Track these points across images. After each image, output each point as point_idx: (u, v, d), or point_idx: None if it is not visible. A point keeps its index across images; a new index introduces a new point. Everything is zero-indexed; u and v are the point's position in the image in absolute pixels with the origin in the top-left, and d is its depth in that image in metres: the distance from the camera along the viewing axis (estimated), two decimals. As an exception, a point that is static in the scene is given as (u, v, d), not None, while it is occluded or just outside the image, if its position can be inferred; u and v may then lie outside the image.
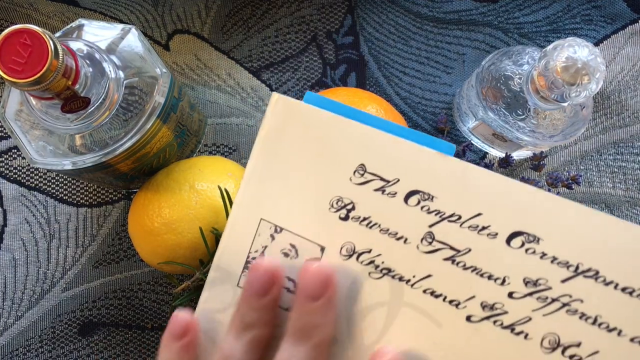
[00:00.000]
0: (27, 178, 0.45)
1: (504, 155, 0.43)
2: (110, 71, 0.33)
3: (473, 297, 0.25)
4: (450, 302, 0.25)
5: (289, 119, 0.27)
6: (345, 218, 0.27)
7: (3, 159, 0.45)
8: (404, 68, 0.47)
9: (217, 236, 0.36)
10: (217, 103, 0.46)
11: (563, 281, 0.24)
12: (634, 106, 0.46)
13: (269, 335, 0.26)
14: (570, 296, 0.24)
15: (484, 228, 0.25)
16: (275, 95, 0.28)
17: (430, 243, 0.25)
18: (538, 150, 0.42)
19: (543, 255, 0.24)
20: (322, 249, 0.27)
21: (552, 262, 0.24)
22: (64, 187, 0.45)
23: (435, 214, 0.25)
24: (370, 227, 0.26)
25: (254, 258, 0.28)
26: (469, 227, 0.25)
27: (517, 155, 0.44)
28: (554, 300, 0.24)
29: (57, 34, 0.35)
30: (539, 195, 0.25)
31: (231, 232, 0.28)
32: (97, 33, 0.35)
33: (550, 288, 0.24)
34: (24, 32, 0.28)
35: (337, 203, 0.27)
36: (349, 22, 0.48)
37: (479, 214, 0.25)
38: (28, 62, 0.28)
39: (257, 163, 0.28)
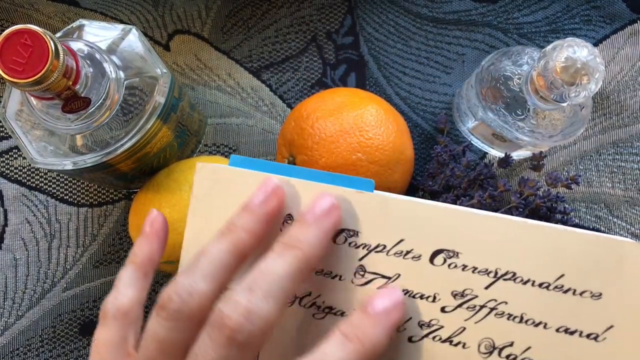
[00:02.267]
0: (27, 178, 0.45)
1: (503, 155, 0.43)
2: (110, 71, 0.33)
3: (410, 318, 0.26)
4: None
5: (215, 184, 0.28)
6: None
7: (4, 158, 0.46)
8: (404, 68, 0.47)
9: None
10: (217, 103, 0.46)
11: (486, 287, 0.26)
12: (633, 106, 0.46)
13: (252, 246, 0.26)
14: (496, 300, 0.26)
15: (408, 252, 0.27)
16: (199, 164, 0.29)
17: (363, 275, 0.27)
18: (537, 151, 0.42)
19: (464, 267, 0.26)
20: None
21: (473, 272, 0.26)
22: (65, 187, 0.45)
23: (363, 248, 0.27)
24: None
25: None
26: (394, 253, 0.27)
27: (516, 155, 0.44)
28: (481, 307, 0.26)
29: (58, 35, 0.35)
30: (449, 212, 0.26)
31: None
32: (98, 33, 0.35)
33: (476, 296, 0.26)
34: (25, 32, 0.28)
35: None
36: (349, 23, 0.48)
37: (402, 240, 0.27)
38: (29, 62, 0.28)
39: (192, 229, 0.29)
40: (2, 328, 0.43)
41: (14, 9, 0.47)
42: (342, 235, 0.27)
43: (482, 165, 0.42)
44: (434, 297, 0.26)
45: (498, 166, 0.43)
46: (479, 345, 0.26)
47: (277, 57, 0.47)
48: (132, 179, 0.40)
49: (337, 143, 0.37)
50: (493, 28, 0.47)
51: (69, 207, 0.45)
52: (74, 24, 0.35)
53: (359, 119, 0.38)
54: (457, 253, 0.26)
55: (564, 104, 0.36)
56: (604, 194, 0.45)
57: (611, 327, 0.25)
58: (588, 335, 0.25)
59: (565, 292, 0.25)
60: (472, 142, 0.45)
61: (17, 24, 0.29)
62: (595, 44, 0.47)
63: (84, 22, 0.35)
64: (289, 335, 0.28)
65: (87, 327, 0.44)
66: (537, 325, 0.25)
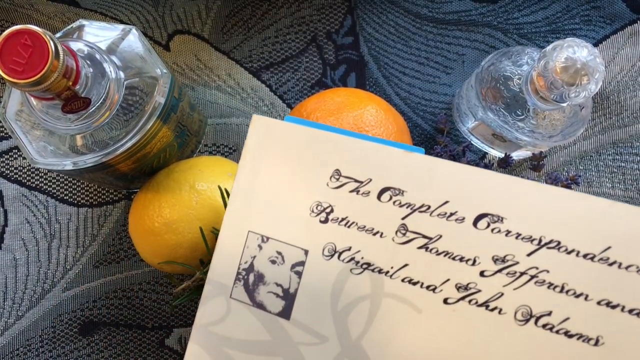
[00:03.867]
0: (27, 178, 0.45)
1: (503, 155, 0.43)
2: (110, 71, 0.33)
3: (448, 280, 0.26)
4: (428, 287, 0.27)
5: (268, 136, 0.29)
6: (325, 221, 0.28)
7: (4, 159, 0.46)
8: (404, 68, 0.47)
9: (217, 236, 0.37)
10: (217, 103, 0.46)
11: (529, 255, 0.26)
12: (633, 106, 0.46)
13: None
14: (537, 268, 0.25)
15: (452, 214, 0.27)
16: (255, 116, 0.30)
17: (404, 234, 0.27)
18: (537, 151, 0.42)
19: (508, 232, 0.26)
20: (306, 252, 0.28)
21: (516, 238, 0.26)
22: (65, 187, 0.45)
23: (407, 207, 0.27)
24: (349, 226, 0.28)
25: (244, 269, 0.29)
26: (438, 214, 0.27)
27: (516, 155, 0.44)
28: (522, 273, 0.25)
29: (58, 35, 0.35)
30: (498, 177, 0.26)
31: (222, 247, 0.30)
32: (98, 33, 0.35)
33: (517, 263, 0.26)
34: (25, 32, 0.28)
35: (316, 208, 0.28)
36: (349, 23, 0.48)
37: (446, 202, 0.27)
38: (29, 62, 0.28)
39: (242, 179, 0.30)
40: (2, 328, 0.43)
41: (14, 9, 0.47)
42: (387, 193, 0.27)
43: (482, 165, 0.42)
44: (474, 261, 0.26)
45: (498, 166, 0.43)
46: (516, 312, 0.25)
47: (277, 57, 0.47)
48: (132, 179, 0.40)
49: (337, 143, 0.37)
50: (493, 28, 0.47)
51: (69, 207, 0.45)
52: (74, 24, 0.35)
53: (359, 119, 0.38)
54: (502, 218, 0.26)
55: (564, 104, 0.36)
56: (603, 194, 0.45)
57: None
58: (630, 311, 0.24)
59: (611, 264, 0.24)
60: (472, 142, 0.45)
61: (17, 24, 0.29)
62: (595, 44, 0.47)
63: (84, 22, 0.35)
64: (325, 288, 0.28)
65: (87, 327, 0.44)
66: (577, 296, 0.25)
